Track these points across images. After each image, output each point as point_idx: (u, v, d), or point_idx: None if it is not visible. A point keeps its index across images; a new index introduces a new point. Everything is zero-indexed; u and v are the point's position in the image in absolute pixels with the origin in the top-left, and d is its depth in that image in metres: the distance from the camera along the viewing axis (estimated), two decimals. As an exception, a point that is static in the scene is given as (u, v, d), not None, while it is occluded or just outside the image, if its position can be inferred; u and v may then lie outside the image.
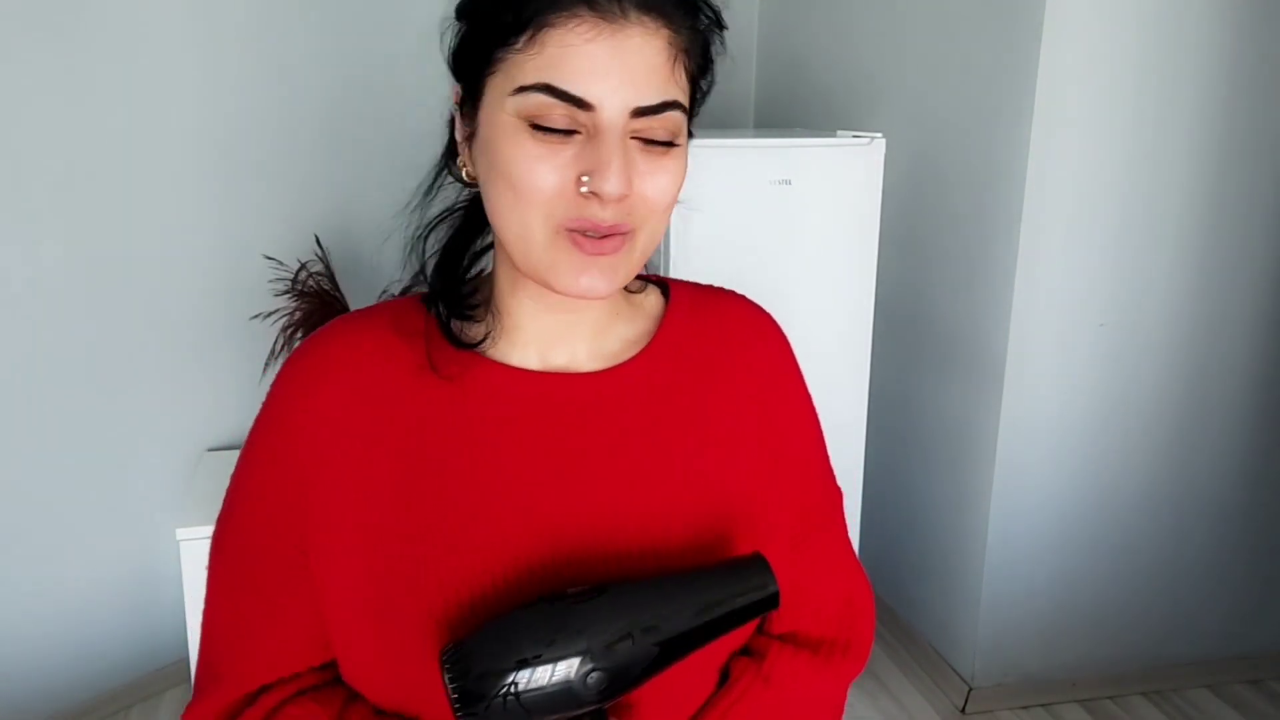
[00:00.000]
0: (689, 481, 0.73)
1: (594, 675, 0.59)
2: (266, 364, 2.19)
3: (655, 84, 0.62)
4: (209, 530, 2.33)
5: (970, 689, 2.32)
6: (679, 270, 2.01)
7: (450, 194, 0.76)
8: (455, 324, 0.73)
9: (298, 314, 2.18)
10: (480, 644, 0.60)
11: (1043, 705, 2.33)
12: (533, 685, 0.58)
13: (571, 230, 0.63)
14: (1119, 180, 2.08)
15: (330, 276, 2.25)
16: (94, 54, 2.09)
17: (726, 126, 3.07)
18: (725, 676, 0.77)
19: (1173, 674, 2.41)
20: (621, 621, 0.61)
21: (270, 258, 2.26)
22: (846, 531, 0.87)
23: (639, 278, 0.82)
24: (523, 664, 0.58)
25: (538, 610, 0.61)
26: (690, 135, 0.70)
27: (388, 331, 0.72)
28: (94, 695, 2.29)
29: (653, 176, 0.64)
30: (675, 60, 0.63)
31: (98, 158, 2.13)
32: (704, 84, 0.70)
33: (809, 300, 2.15)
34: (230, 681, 0.71)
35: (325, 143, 2.40)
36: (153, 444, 2.32)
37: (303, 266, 2.21)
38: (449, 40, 0.67)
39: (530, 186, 0.62)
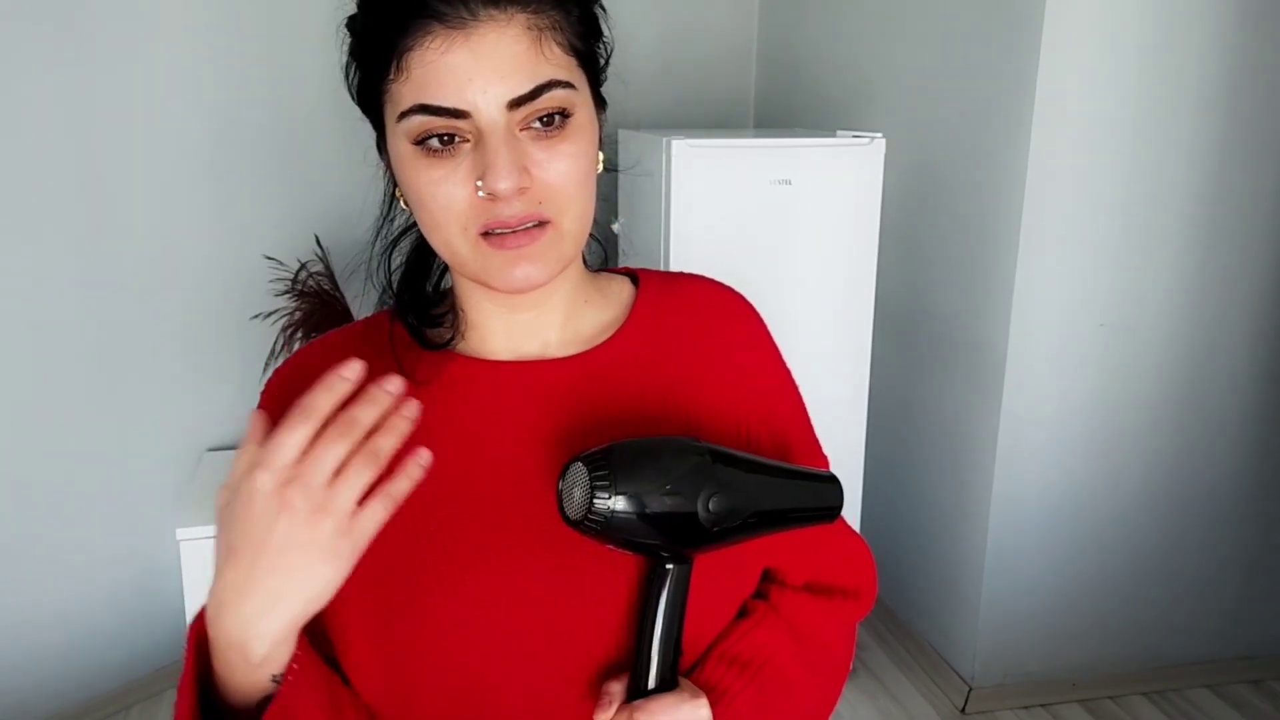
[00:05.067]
0: None
1: (715, 500, 0.66)
2: (266, 364, 2.20)
3: (523, 72, 0.62)
4: (209, 530, 2.31)
5: (970, 689, 2.32)
6: (678, 270, 2.01)
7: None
8: (424, 330, 0.74)
9: (298, 314, 2.18)
10: (625, 449, 0.65)
11: (1043, 705, 2.33)
12: (663, 493, 0.65)
13: (488, 234, 0.65)
14: (1119, 180, 2.08)
15: (330, 276, 2.25)
16: (94, 55, 2.09)
17: (726, 126, 3.07)
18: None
19: (1173, 674, 2.41)
20: (741, 469, 0.69)
21: (270, 258, 2.26)
22: None
23: (610, 270, 0.83)
24: (657, 474, 0.65)
25: (666, 439, 0.69)
26: (603, 105, 0.71)
27: (361, 345, 0.73)
28: (94, 695, 2.29)
29: (550, 163, 0.64)
30: (542, 40, 0.63)
31: (98, 158, 2.14)
32: (598, 47, 0.70)
33: (809, 300, 2.15)
34: None
35: (325, 143, 2.40)
36: (153, 444, 2.32)
37: (303, 266, 2.21)
38: (352, 85, 0.69)
39: (438, 207, 0.65)
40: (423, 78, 0.62)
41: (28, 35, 2.00)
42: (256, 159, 2.34)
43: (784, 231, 2.10)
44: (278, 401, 0.72)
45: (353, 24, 0.67)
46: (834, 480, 0.74)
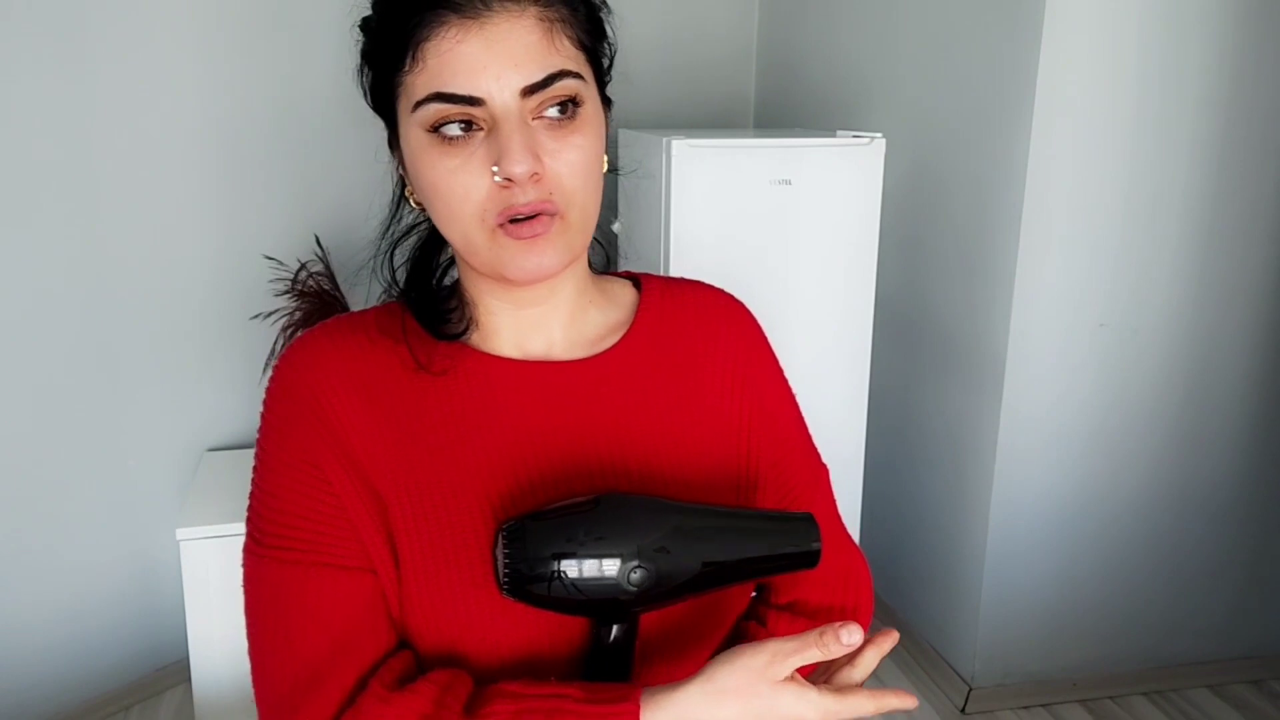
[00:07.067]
0: (677, 461, 0.75)
1: (638, 572, 0.62)
2: (266, 364, 2.19)
3: (536, 61, 0.64)
4: (209, 530, 2.31)
5: (970, 689, 2.32)
6: (678, 270, 2.01)
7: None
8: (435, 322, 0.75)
9: (298, 314, 2.18)
10: (539, 528, 0.63)
11: (1043, 705, 2.33)
12: (579, 574, 0.62)
13: (502, 223, 0.66)
14: (1119, 180, 2.08)
15: (330, 276, 2.25)
16: (95, 54, 2.09)
17: (726, 126, 3.07)
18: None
19: (1173, 674, 2.41)
20: (673, 532, 0.64)
21: (270, 258, 2.26)
22: (835, 506, 0.89)
23: (612, 273, 0.85)
24: (571, 555, 0.62)
25: (596, 504, 0.65)
26: (608, 104, 0.73)
27: (375, 333, 0.74)
28: (94, 695, 2.29)
29: (561, 154, 0.66)
30: (553, 32, 0.65)
31: (98, 158, 2.13)
32: (603, 47, 0.72)
33: (809, 300, 2.15)
34: (335, 678, 0.67)
35: (326, 143, 2.40)
36: (153, 444, 2.32)
37: (303, 266, 2.21)
38: (365, 84, 0.71)
39: (455, 196, 0.65)
40: (438, 67, 0.63)
41: (28, 34, 2.00)
42: (257, 159, 2.34)
43: (784, 231, 2.10)
44: (306, 371, 0.71)
45: (367, 23, 0.69)
46: (808, 520, 0.70)
